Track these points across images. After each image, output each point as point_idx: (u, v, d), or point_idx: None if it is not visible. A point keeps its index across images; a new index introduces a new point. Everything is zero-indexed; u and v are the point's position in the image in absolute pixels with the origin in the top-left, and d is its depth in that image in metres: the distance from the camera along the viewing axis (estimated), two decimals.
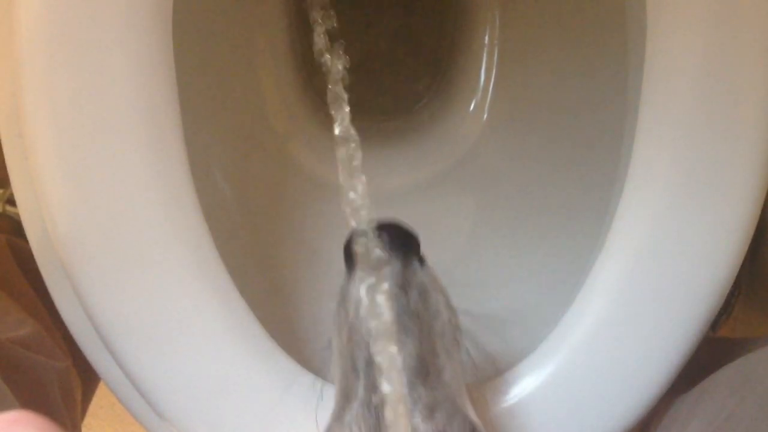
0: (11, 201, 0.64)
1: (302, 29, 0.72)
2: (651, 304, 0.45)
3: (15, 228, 0.62)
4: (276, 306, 0.58)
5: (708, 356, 0.47)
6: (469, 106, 0.70)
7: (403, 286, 0.38)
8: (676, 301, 0.45)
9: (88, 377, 0.60)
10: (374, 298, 0.37)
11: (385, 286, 0.37)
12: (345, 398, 0.38)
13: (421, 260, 0.41)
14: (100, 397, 0.66)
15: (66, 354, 0.56)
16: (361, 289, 0.37)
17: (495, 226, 0.65)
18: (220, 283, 0.45)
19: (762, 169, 0.44)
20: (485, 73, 0.69)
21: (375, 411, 0.36)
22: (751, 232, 0.45)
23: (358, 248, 0.39)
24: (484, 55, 0.69)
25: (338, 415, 0.37)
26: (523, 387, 0.46)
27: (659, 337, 0.45)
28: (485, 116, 0.69)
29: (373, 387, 0.36)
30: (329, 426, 0.38)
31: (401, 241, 0.40)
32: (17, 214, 0.52)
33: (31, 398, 0.50)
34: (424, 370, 0.37)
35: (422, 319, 0.38)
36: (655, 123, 0.45)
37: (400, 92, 0.78)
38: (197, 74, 0.56)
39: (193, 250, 0.44)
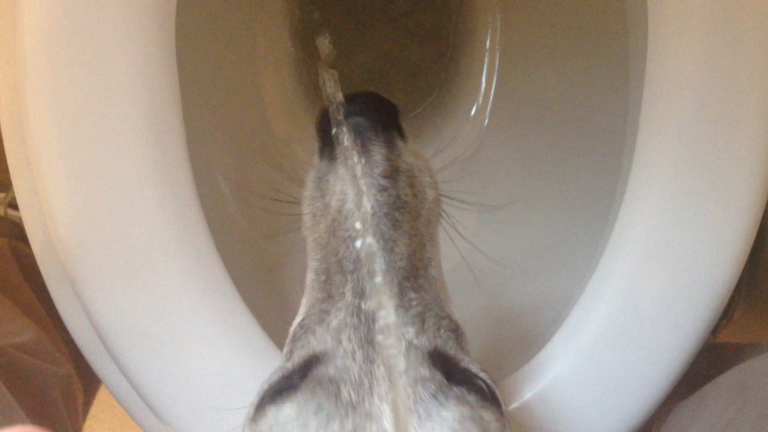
0: (13, 205, 0.64)
1: (303, 35, 0.72)
2: (652, 309, 0.45)
3: (17, 232, 0.62)
4: (277, 310, 0.58)
5: (708, 362, 0.47)
6: (471, 111, 0.70)
7: (392, 175, 0.35)
8: (677, 306, 0.45)
9: (89, 380, 0.60)
10: (359, 188, 0.34)
11: (373, 174, 0.34)
12: (328, 297, 0.35)
13: (402, 133, 0.37)
14: (101, 399, 0.66)
15: (67, 358, 0.56)
16: (342, 176, 0.34)
17: (496, 231, 0.65)
18: (222, 288, 0.45)
19: (762, 174, 0.44)
20: (486, 78, 0.69)
21: (365, 319, 0.33)
22: (752, 238, 0.45)
23: (334, 124, 0.35)
24: (486, 59, 0.69)
25: (321, 318, 0.35)
26: (522, 394, 0.46)
27: (661, 342, 0.45)
28: (486, 120, 0.69)
29: (361, 292, 0.34)
30: (312, 327, 0.35)
31: (379, 112, 0.36)
32: (19, 218, 0.52)
33: (34, 404, 0.50)
34: (413, 269, 0.35)
35: (411, 209, 0.35)
36: (656, 128, 0.45)
37: (402, 97, 0.78)
38: (199, 80, 0.56)
39: (195, 255, 0.44)
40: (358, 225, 0.34)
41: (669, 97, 0.44)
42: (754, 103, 0.44)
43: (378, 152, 0.35)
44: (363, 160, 0.34)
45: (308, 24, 0.75)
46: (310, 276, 0.37)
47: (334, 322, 0.34)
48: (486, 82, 0.70)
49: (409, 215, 0.35)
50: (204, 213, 0.45)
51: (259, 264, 0.61)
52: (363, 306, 0.33)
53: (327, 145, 0.36)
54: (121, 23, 0.42)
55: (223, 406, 0.44)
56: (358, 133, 0.35)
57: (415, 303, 0.34)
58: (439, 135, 0.72)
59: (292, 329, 0.36)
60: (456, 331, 0.35)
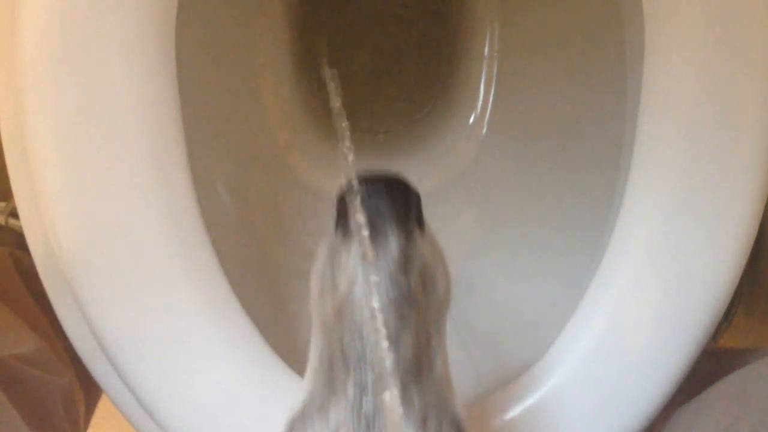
0: (14, 214, 0.64)
1: (303, 43, 0.73)
2: (653, 314, 0.45)
3: (18, 241, 0.63)
4: (278, 319, 0.58)
5: (708, 367, 0.47)
6: (469, 119, 0.70)
7: (405, 267, 0.34)
8: (677, 310, 0.45)
9: (90, 389, 0.60)
10: (370, 278, 0.33)
11: (386, 267, 0.33)
12: (329, 389, 0.34)
13: (421, 223, 0.37)
14: (102, 408, 0.66)
15: (69, 368, 0.56)
16: (354, 261, 0.33)
17: (495, 238, 0.65)
18: (223, 297, 0.45)
19: (761, 178, 0.44)
20: (485, 85, 0.70)
21: (365, 419, 0.33)
22: (752, 241, 0.45)
23: (352, 207, 0.34)
24: (484, 66, 0.69)
25: (322, 406, 0.34)
26: (523, 401, 0.46)
27: (660, 348, 0.45)
28: (485, 129, 0.70)
29: (364, 389, 0.33)
30: (310, 415, 0.34)
31: (401, 202, 0.35)
32: (20, 227, 0.52)
33: (35, 415, 0.50)
34: (418, 366, 0.34)
35: (421, 305, 0.35)
36: (654, 135, 0.45)
37: (399, 105, 0.78)
38: (199, 88, 0.56)
39: (196, 264, 0.44)
40: (365, 318, 0.33)
41: (666, 105, 0.45)
42: (753, 107, 0.44)
43: (394, 243, 0.34)
44: (378, 251, 0.34)
45: (309, 32, 0.76)
46: (313, 358, 0.36)
47: (333, 419, 0.33)
48: (484, 89, 0.70)
49: (418, 311, 0.34)
50: (204, 222, 0.45)
51: (260, 273, 0.61)
52: (364, 405, 0.33)
53: (344, 217, 0.35)
54: (121, 33, 0.42)
55: (224, 415, 0.44)
56: (376, 220, 0.34)
57: (417, 402, 0.34)
58: (437, 143, 0.72)
59: (290, 416, 0.36)
60: (458, 429, 0.35)
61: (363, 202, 0.34)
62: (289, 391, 0.45)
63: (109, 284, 0.43)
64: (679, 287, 0.45)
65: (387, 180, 0.36)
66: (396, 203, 0.35)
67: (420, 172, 0.70)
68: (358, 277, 0.33)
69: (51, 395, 0.53)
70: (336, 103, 0.37)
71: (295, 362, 0.47)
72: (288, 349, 0.48)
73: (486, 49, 0.69)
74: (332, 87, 0.38)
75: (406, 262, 0.34)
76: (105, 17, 0.42)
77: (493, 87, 0.69)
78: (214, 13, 0.61)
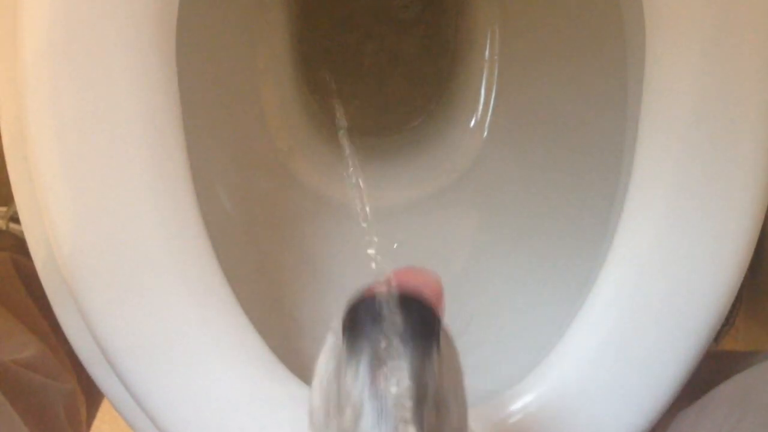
0: (15, 219, 0.64)
1: (303, 48, 0.73)
2: (654, 318, 0.45)
3: (19, 245, 0.63)
4: (279, 323, 0.58)
5: (710, 370, 0.47)
6: (470, 122, 0.70)
7: (419, 400, 0.31)
8: (679, 315, 0.45)
9: (92, 394, 0.60)
10: (380, 410, 0.30)
11: (398, 399, 0.30)
12: None
13: (439, 342, 0.33)
14: (104, 412, 0.66)
15: (70, 373, 0.56)
16: (362, 388, 0.31)
17: (497, 241, 0.65)
18: (224, 302, 0.45)
19: (763, 180, 0.44)
20: (486, 89, 0.70)
21: None
22: (753, 244, 0.45)
23: (366, 316, 0.31)
24: (485, 69, 0.70)
25: None
26: (525, 404, 0.46)
27: (662, 352, 0.45)
28: (486, 132, 0.70)
29: None
30: None
31: (419, 317, 0.32)
32: (21, 232, 0.52)
33: (37, 419, 0.50)
34: None
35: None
36: (655, 137, 0.45)
37: (401, 108, 0.78)
38: (199, 92, 0.56)
39: (197, 269, 0.44)
40: None
41: (667, 110, 0.45)
42: (754, 110, 0.44)
43: (408, 370, 0.31)
44: (391, 379, 0.31)
45: (309, 37, 0.76)
46: None
47: None
48: (485, 93, 0.70)
49: None
50: (205, 226, 0.45)
51: (260, 276, 0.62)
52: None
53: (354, 322, 0.32)
54: (121, 37, 0.42)
55: (226, 419, 0.44)
56: (390, 336, 0.31)
57: None
58: (438, 146, 0.72)
59: None
60: None
61: (378, 313, 0.31)
62: (291, 398, 0.45)
63: (110, 289, 0.43)
64: (681, 291, 0.45)
65: (404, 293, 0.32)
66: (414, 318, 0.31)
67: (421, 175, 0.70)
68: (365, 408, 0.30)
69: (53, 400, 0.53)
70: (349, 171, 0.36)
71: (295, 366, 0.47)
72: (288, 352, 0.48)
73: (487, 52, 0.70)
74: (339, 113, 0.37)
75: (419, 389, 0.31)
76: (106, 22, 0.42)
77: (494, 90, 0.69)
78: (215, 17, 0.61)
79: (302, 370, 0.47)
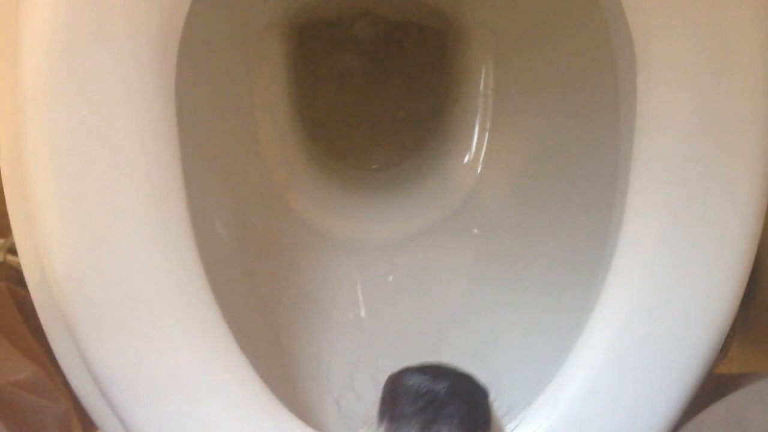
0: (13, 251, 0.64)
1: (300, 83, 0.74)
2: (648, 354, 0.45)
3: (16, 277, 0.63)
4: (275, 357, 0.58)
5: (703, 392, 0.47)
6: (464, 157, 0.71)
7: None
8: (673, 351, 0.45)
9: (87, 417, 0.60)
10: None
11: None
12: None
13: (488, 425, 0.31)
14: None
15: (65, 395, 0.56)
16: None
17: (491, 276, 0.65)
18: (219, 336, 0.45)
19: (755, 212, 0.45)
20: (480, 123, 0.70)
21: None
22: (746, 279, 0.46)
23: (407, 403, 0.28)
24: (479, 104, 0.70)
25: None
26: None
27: (657, 387, 0.45)
28: (480, 167, 0.70)
29: None
30: None
31: (467, 401, 0.29)
32: (19, 264, 0.52)
33: None
34: None
35: None
36: (647, 173, 0.46)
37: (396, 142, 0.79)
38: (197, 125, 0.57)
39: (193, 302, 0.44)
40: None
41: (660, 139, 0.45)
42: (746, 145, 0.45)
43: None
44: None
45: (305, 73, 0.77)
46: None
47: None
48: (479, 128, 0.70)
49: None
50: (202, 259, 0.45)
51: (256, 308, 0.61)
52: None
53: (392, 405, 0.30)
54: (121, 72, 0.43)
55: None
56: (436, 422, 0.29)
57: None
58: (433, 179, 0.72)
59: None
60: None
61: (421, 396, 0.29)
62: None
63: (104, 320, 0.43)
64: (675, 327, 0.45)
65: (453, 375, 0.30)
66: (461, 404, 0.29)
67: (416, 209, 0.71)
68: None
69: (48, 421, 0.52)
70: None
71: (292, 402, 0.47)
72: (285, 387, 0.48)
73: (481, 86, 0.70)
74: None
75: None
76: (105, 52, 0.42)
77: (488, 124, 0.70)
78: (213, 52, 0.62)
79: (298, 405, 0.47)
